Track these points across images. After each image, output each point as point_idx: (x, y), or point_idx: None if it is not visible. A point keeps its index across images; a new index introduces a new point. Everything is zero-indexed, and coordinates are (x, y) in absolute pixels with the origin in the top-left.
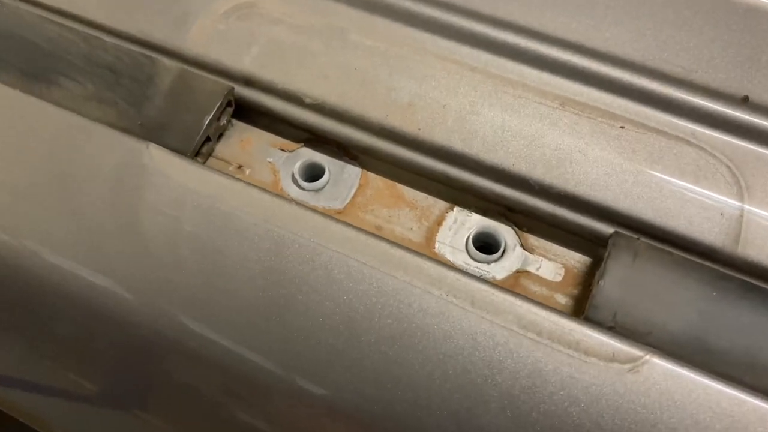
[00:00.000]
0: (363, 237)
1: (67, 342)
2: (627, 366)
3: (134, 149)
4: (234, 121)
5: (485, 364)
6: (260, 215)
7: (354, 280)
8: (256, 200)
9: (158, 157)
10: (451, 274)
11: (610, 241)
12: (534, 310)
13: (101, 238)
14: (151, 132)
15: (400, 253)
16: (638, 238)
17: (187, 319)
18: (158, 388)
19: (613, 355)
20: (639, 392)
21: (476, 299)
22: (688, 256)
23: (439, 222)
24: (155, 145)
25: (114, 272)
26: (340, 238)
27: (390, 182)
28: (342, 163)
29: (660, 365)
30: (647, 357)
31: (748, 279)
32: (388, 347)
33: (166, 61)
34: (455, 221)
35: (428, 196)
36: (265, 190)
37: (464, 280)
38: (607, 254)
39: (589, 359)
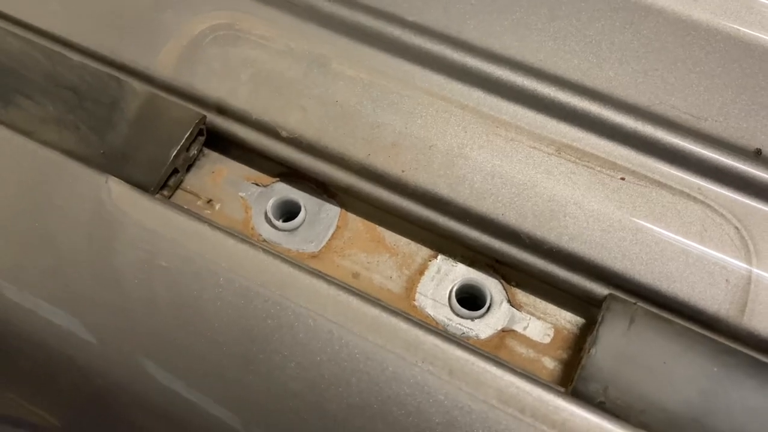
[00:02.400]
0: (334, 291)
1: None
2: None
3: (92, 182)
4: (206, 150)
5: None
6: (224, 263)
7: (321, 341)
8: (220, 245)
9: (117, 193)
10: (430, 339)
11: (604, 305)
12: (517, 384)
13: (48, 275)
14: (114, 162)
15: (374, 311)
16: (635, 303)
17: (139, 365)
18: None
19: None
20: None
21: (455, 368)
22: (688, 326)
23: (421, 271)
24: (115, 178)
25: (62, 307)
26: (309, 292)
27: (370, 225)
28: (320, 201)
29: None
30: None
31: (754, 354)
32: (356, 417)
33: (135, 84)
34: (438, 271)
35: (411, 241)
36: (232, 234)
37: (443, 345)
38: (600, 319)
39: None
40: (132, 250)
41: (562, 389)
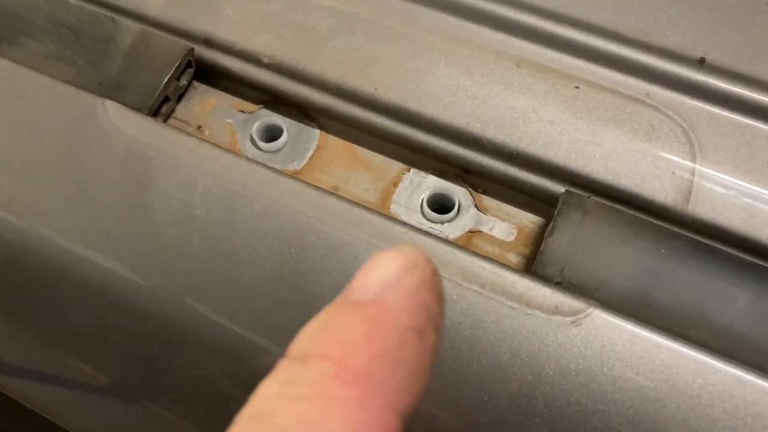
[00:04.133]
0: (312, 192)
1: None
2: (569, 318)
3: (89, 104)
4: (196, 83)
5: None
6: (211, 170)
7: (301, 233)
8: (208, 155)
9: (113, 112)
10: (399, 228)
11: (560, 199)
12: (478, 263)
13: (47, 191)
14: (110, 90)
15: (347, 207)
16: (589, 197)
17: (121, 266)
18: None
19: (556, 307)
20: (580, 344)
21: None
22: (638, 215)
23: (396, 183)
24: (111, 101)
25: (59, 221)
26: (289, 193)
27: (348, 144)
28: (301, 125)
29: (603, 318)
30: (590, 310)
31: (697, 237)
32: (334, 298)
33: (127, 22)
34: (411, 183)
35: (385, 158)
36: (220, 147)
37: (411, 233)
38: (556, 211)
39: (532, 311)
40: (126, 164)
41: (523, 272)
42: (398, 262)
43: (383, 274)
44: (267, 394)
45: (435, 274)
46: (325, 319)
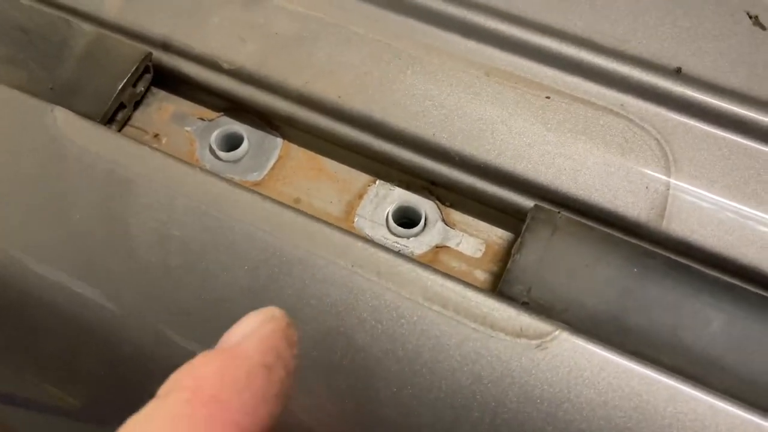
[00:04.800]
0: (269, 206)
1: None
2: (535, 342)
3: (38, 110)
4: (154, 89)
5: (387, 338)
6: (164, 182)
7: (256, 249)
8: (161, 167)
9: (62, 120)
10: (359, 245)
11: (529, 214)
12: (441, 282)
13: None
14: (62, 96)
15: (306, 222)
16: (559, 212)
17: (66, 277)
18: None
19: (521, 330)
20: (546, 369)
21: (382, 270)
22: (610, 231)
23: (360, 195)
24: (60, 108)
25: (8, 231)
26: (245, 207)
27: (312, 154)
28: (262, 133)
29: (570, 341)
30: (557, 333)
31: (672, 256)
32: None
33: (83, 25)
34: (377, 195)
35: (351, 169)
36: (175, 158)
37: (372, 250)
38: (524, 227)
39: (495, 334)
40: (75, 172)
41: (488, 291)
42: (257, 317)
43: (244, 328)
44: (131, 422)
45: (289, 326)
46: (188, 364)
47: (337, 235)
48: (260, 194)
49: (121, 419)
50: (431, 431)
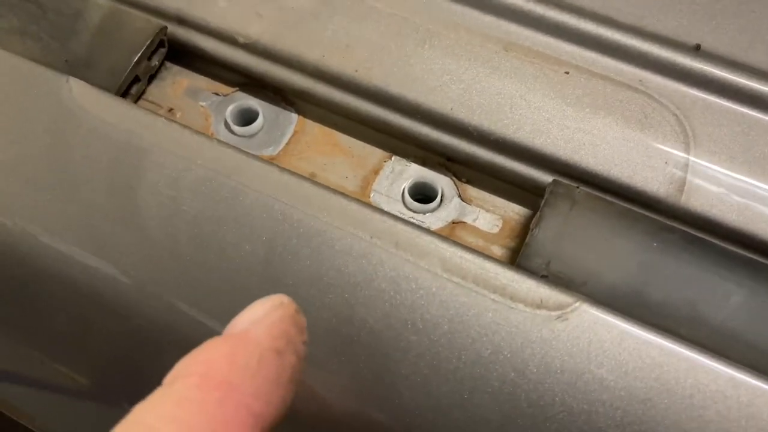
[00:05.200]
0: (286, 177)
1: None
2: (555, 313)
3: (53, 82)
4: (168, 64)
5: (407, 309)
6: (180, 153)
7: (274, 220)
8: (177, 137)
9: (78, 91)
10: (378, 217)
11: (547, 189)
12: (460, 254)
13: (4, 173)
14: (77, 69)
15: (324, 194)
16: (578, 186)
17: (89, 255)
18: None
19: (541, 301)
20: (566, 340)
21: (401, 241)
22: (629, 206)
23: (376, 171)
24: (76, 79)
25: (17, 204)
26: (262, 177)
27: (327, 129)
28: (278, 108)
29: (590, 313)
30: (577, 305)
31: (690, 230)
32: (307, 289)
33: None
34: (393, 171)
35: (366, 144)
36: (190, 129)
37: (390, 222)
38: (543, 202)
39: (515, 305)
40: (91, 144)
41: (507, 264)
42: (265, 304)
43: (251, 315)
44: (138, 410)
45: (297, 312)
46: (194, 351)
47: (355, 207)
48: (278, 166)
49: (131, 398)
50: (450, 402)
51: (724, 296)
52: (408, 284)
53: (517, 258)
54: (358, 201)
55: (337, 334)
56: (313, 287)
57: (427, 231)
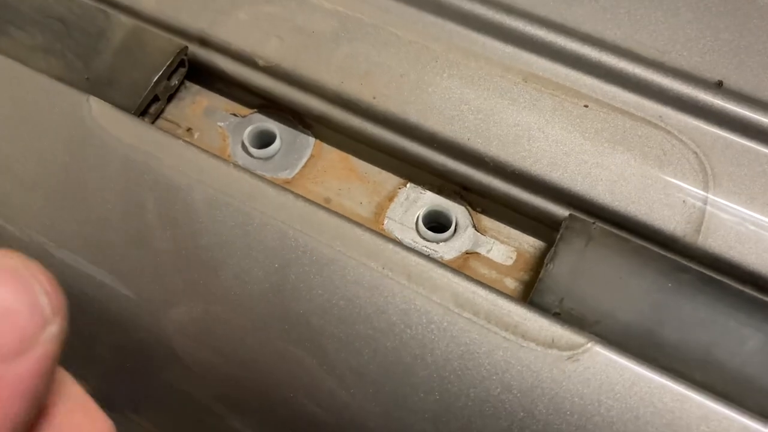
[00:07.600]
0: (301, 204)
1: None
2: (566, 353)
3: (73, 100)
4: (188, 84)
5: (417, 343)
6: (195, 175)
7: (286, 247)
8: (194, 160)
9: (97, 110)
10: (390, 247)
11: (563, 223)
12: (473, 289)
13: (23, 188)
14: (98, 87)
15: (337, 222)
16: (594, 222)
17: (104, 272)
18: None
19: (553, 341)
20: (577, 381)
21: (413, 274)
22: (645, 244)
23: (391, 198)
24: (96, 98)
25: (34, 220)
26: (277, 204)
27: (343, 154)
28: (295, 131)
29: (602, 355)
30: (589, 345)
31: (707, 271)
32: (318, 319)
33: (120, 17)
34: (407, 198)
35: (382, 170)
36: (208, 152)
37: (403, 253)
38: (558, 237)
39: (526, 344)
40: (109, 164)
41: (519, 300)
42: None
43: None
44: None
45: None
46: None
47: (368, 237)
48: (293, 193)
49: (131, 406)
50: None
51: (740, 341)
52: (419, 318)
53: (531, 293)
54: (371, 230)
55: (346, 366)
56: (324, 317)
57: (441, 264)
